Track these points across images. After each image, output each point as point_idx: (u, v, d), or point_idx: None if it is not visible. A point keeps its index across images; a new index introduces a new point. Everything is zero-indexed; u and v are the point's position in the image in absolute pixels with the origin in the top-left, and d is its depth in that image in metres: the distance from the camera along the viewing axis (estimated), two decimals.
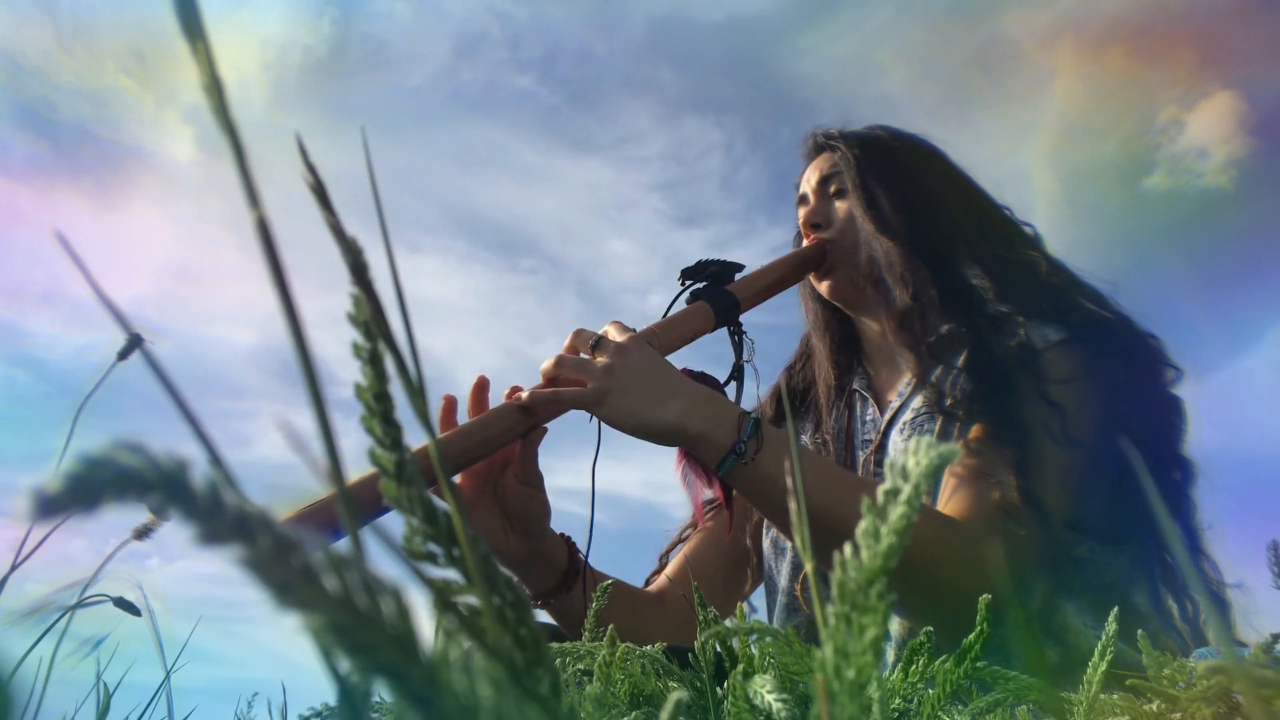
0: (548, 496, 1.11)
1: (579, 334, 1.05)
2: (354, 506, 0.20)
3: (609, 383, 0.98)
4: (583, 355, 1.02)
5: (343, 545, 0.19)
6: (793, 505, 0.25)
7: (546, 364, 1.02)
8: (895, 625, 1.12)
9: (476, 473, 1.08)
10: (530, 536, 1.10)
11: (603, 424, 1.02)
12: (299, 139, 0.22)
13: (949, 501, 1.05)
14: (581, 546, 1.14)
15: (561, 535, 1.15)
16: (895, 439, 1.20)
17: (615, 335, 1.03)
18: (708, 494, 1.15)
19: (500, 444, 1.01)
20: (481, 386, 1.05)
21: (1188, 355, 1.19)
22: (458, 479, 1.08)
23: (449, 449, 0.98)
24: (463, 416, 1.05)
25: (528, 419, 1.01)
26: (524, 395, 1.01)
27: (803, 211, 1.34)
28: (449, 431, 1.01)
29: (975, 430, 1.09)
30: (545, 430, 1.07)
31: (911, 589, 0.99)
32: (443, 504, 0.23)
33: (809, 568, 0.26)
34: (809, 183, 1.35)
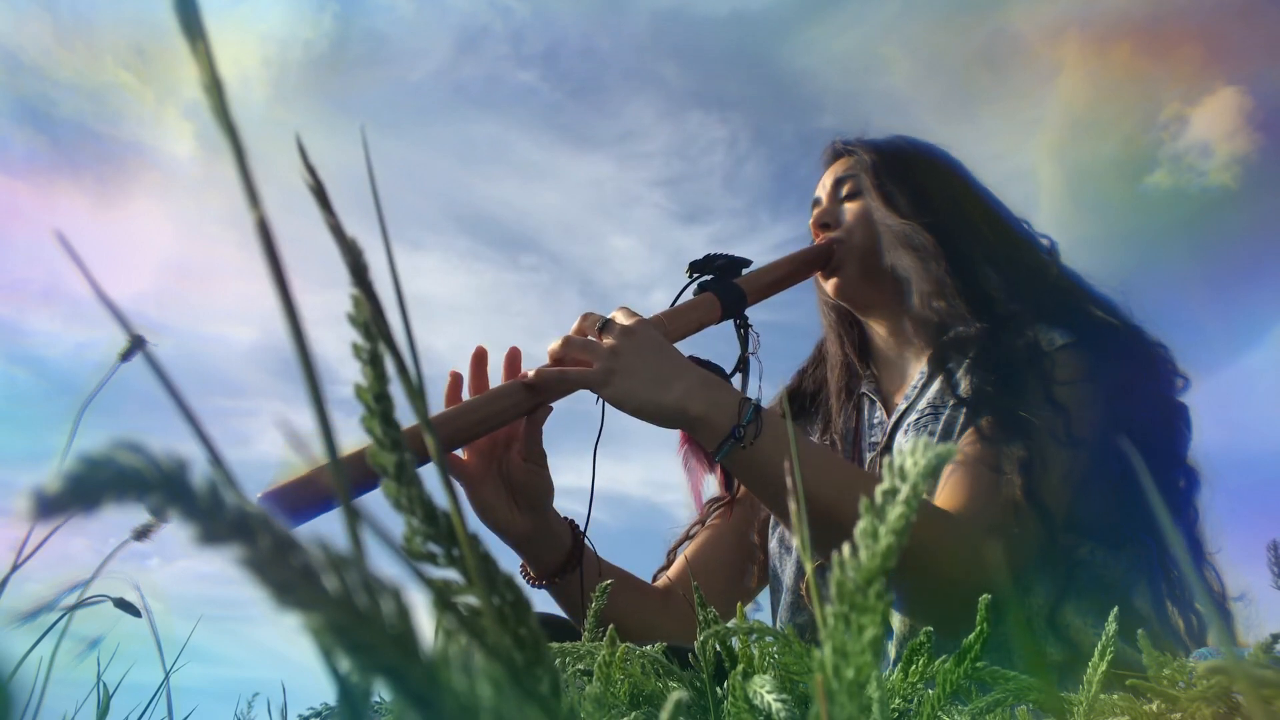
0: (551, 476, 1.13)
1: (587, 317, 1.06)
2: (345, 478, 0.20)
3: (614, 363, 1.00)
4: (590, 337, 1.04)
5: (343, 544, 0.19)
6: (792, 506, 0.25)
7: (554, 344, 1.04)
8: (896, 622, 1.13)
9: (482, 450, 1.11)
10: (535, 512, 1.12)
11: (606, 406, 1.05)
12: (299, 140, 0.22)
13: (947, 490, 1.06)
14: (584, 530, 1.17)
15: (566, 519, 1.18)
16: (900, 441, 1.21)
17: (623, 319, 1.05)
18: (709, 480, 1.16)
19: (505, 420, 1.04)
20: (480, 358, 1.07)
21: (1189, 354, 1.20)
22: (463, 455, 1.11)
23: (455, 423, 1.00)
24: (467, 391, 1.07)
25: (533, 397, 1.03)
26: (530, 374, 1.03)
27: (814, 213, 1.36)
28: (454, 406, 1.03)
29: (980, 425, 1.10)
30: (550, 409, 1.10)
31: (909, 583, 0.99)
32: (442, 505, 0.23)
33: (809, 569, 0.26)
34: (823, 186, 1.38)
